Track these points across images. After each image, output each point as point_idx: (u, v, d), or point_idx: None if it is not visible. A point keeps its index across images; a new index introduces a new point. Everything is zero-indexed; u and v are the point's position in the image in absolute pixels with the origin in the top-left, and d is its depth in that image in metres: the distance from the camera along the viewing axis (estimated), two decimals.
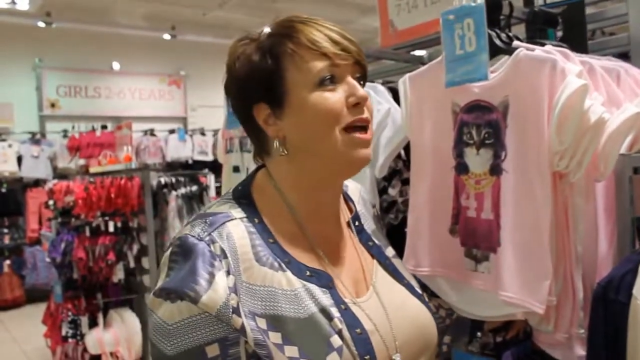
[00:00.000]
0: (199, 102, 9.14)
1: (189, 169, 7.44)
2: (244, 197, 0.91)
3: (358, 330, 0.83)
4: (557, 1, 1.45)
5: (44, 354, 4.64)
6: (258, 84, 0.87)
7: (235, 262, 0.81)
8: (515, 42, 1.17)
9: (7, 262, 6.99)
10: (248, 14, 7.93)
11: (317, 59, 0.84)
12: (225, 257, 0.80)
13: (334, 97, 0.84)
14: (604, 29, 1.81)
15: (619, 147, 1.13)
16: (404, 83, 1.33)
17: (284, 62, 0.85)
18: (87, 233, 4.06)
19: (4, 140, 7.11)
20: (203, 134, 8.54)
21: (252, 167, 2.19)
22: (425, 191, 1.29)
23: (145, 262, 4.09)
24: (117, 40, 8.22)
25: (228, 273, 0.79)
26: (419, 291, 1.02)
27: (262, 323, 0.79)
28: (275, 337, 0.79)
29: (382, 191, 1.49)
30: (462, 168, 1.22)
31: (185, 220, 0.89)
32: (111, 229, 4.03)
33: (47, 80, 7.88)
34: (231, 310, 0.76)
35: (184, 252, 0.79)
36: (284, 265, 0.84)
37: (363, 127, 0.87)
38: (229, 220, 0.84)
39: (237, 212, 0.87)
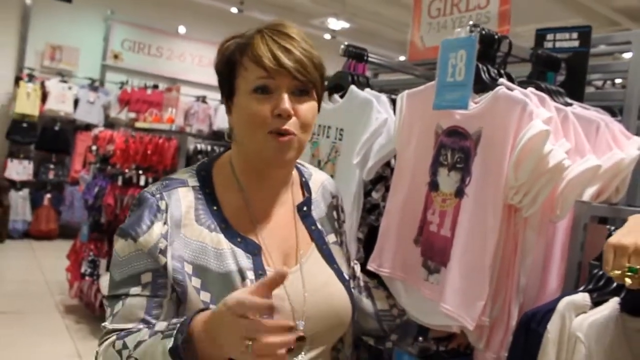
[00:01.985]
0: None
1: None
2: (204, 169, 1.09)
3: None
4: (564, 47, 1.51)
5: (62, 287, 4.94)
6: (221, 82, 1.07)
7: (177, 218, 1.00)
8: (500, 80, 1.25)
9: (48, 195, 7.40)
10: (316, 1, 8.06)
11: (256, 70, 0.99)
12: (167, 212, 1.00)
13: (260, 105, 0.99)
14: (615, 80, 1.85)
15: (577, 194, 1.21)
16: (401, 98, 1.44)
17: (235, 69, 1.03)
18: (120, 182, 4.30)
19: (65, 82, 7.48)
20: None
21: None
22: (400, 200, 1.40)
23: None
24: (187, 6, 8.47)
25: (164, 224, 0.99)
26: (346, 277, 1.15)
27: (189, 268, 0.99)
28: (196, 282, 0.99)
29: (367, 193, 1.60)
30: (434, 185, 1.32)
31: None
32: (142, 182, 4.25)
33: (115, 32, 8.21)
34: (159, 250, 0.97)
35: (139, 203, 1.02)
36: (219, 229, 1.02)
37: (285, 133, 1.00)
38: (181, 186, 1.04)
39: (193, 181, 1.06)
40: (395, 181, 1.44)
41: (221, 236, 1.01)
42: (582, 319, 1.05)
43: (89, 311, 4.47)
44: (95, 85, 7.76)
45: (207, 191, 1.05)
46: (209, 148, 4.63)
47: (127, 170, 4.32)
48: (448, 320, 1.24)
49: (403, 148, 1.42)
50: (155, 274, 0.97)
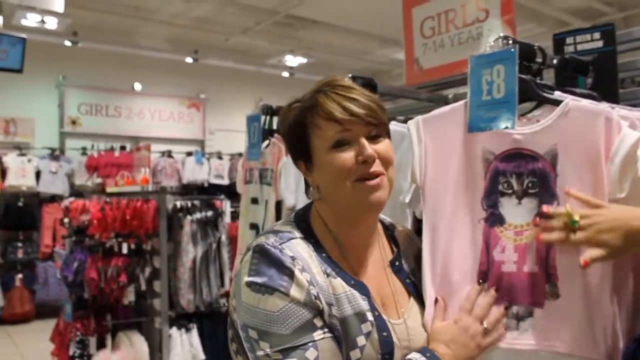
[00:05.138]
0: (217, 126, 9.19)
1: (205, 192, 7.44)
2: (302, 221, 1.11)
3: (385, 334, 1.02)
4: (588, 49, 1.42)
5: None
6: (294, 146, 1.11)
7: (308, 265, 1.00)
8: (557, 93, 1.14)
9: (19, 276, 7.00)
10: (270, 41, 8.01)
11: (331, 126, 1.03)
12: (297, 260, 0.99)
13: (344, 157, 1.02)
14: (635, 77, 1.78)
15: None
16: (416, 125, 1.26)
17: (309, 130, 1.06)
18: (101, 253, 4.05)
19: (24, 155, 7.18)
20: (220, 157, 8.57)
21: (271, 199, 2.17)
22: (443, 247, 1.20)
23: (157, 286, 4.06)
24: (140, 62, 8.32)
25: (302, 271, 0.98)
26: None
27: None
28: None
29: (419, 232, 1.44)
30: (496, 219, 1.16)
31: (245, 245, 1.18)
32: (125, 250, 4.02)
33: (69, 97, 7.98)
34: (313, 297, 0.97)
35: (263, 256, 0.99)
36: (334, 273, 1.04)
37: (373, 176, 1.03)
38: (293, 238, 1.04)
39: (297, 233, 1.07)
40: (428, 225, 1.23)
41: (337, 280, 1.03)
42: None
43: None
44: (55, 155, 7.49)
45: (312, 241, 1.07)
46: (189, 204, 4.42)
47: (106, 240, 4.07)
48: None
49: (431, 183, 1.23)
50: (322, 315, 0.98)
